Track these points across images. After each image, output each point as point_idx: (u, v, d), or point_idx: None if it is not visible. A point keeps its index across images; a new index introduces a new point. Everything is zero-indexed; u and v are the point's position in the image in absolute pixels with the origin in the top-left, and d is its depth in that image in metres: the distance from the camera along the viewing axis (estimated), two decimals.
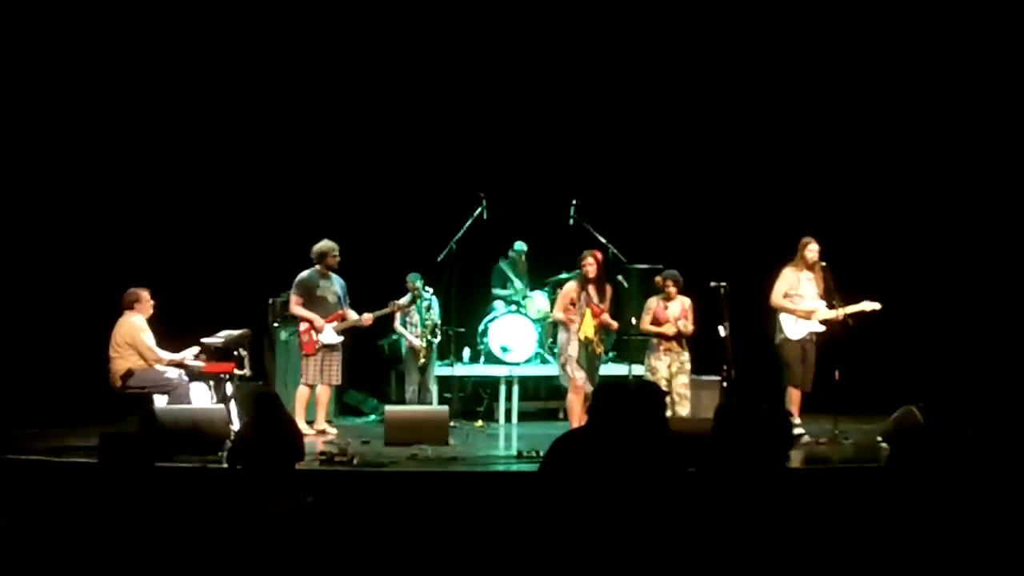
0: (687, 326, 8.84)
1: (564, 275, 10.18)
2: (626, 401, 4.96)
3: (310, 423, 9.15)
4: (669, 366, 8.81)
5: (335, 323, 9.33)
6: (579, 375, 8.49)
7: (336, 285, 9.47)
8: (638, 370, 9.41)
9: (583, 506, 4.63)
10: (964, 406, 8.04)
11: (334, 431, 9.35)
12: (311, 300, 9.33)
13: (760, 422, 4.66)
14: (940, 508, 4.69)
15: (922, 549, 4.58)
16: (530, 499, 4.80)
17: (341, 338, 9.41)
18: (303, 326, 9.30)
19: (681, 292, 8.92)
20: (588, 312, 8.52)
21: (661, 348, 8.85)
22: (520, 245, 10.93)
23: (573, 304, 8.56)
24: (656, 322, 8.88)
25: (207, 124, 11.00)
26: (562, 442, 4.93)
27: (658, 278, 9.02)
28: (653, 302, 8.97)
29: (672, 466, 4.81)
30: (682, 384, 8.79)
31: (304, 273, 9.40)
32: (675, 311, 8.86)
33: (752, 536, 4.47)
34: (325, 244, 9.40)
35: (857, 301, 8.79)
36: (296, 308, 9.33)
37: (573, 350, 8.51)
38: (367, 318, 9.55)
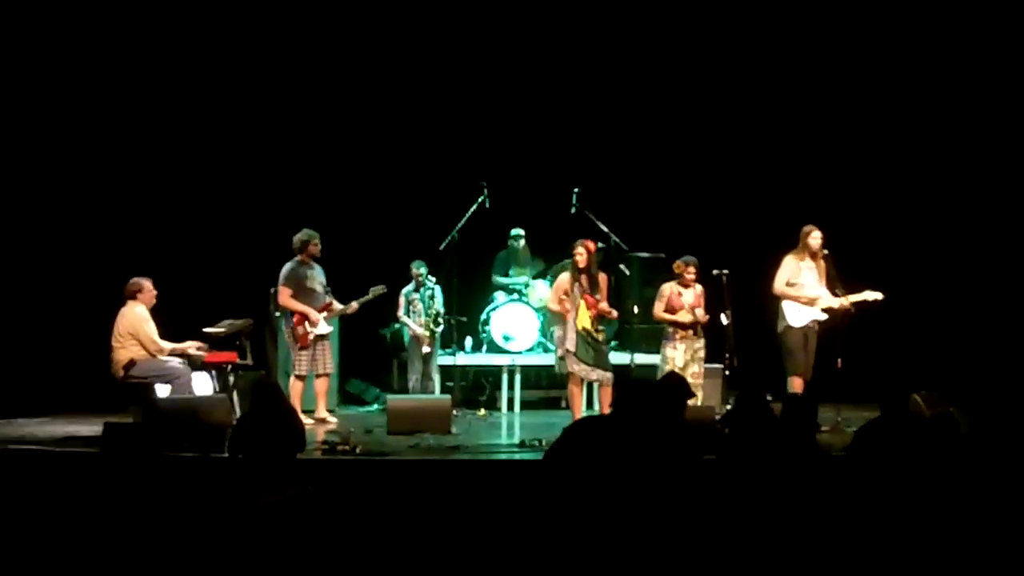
0: (703, 314, 8.76)
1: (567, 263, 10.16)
2: (651, 394, 4.99)
3: (308, 413, 9.13)
4: (684, 354, 8.73)
5: (325, 313, 9.33)
6: (577, 368, 8.45)
7: (320, 274, 9.44)
8: (640, 359, 9.40)
9: (597, 493, 4.64)
10: (953, 393, 8.04)
11: (334, 420, 9.35)
12: (301, 291, 9.26)
13: (781, 412, 4.69)
14: (904, 494, 4.71)
15: (895, 535, 4.61)
16: (541, 485, 4.80)
17: (331, 328, 9.41)
18: (295, 318, 9.26)
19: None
20: (583, 303, 8.48)
21: (677, 336, 8.73)
22: (517, 231, 10.91)
23: (566, 295, 8.53)
24: (670, 309, 8.77)
25: (208, 114, 10.98)
26: (577, 429, 4.95)
27: (679, 262, 8.83)
28: (667, 289, 8.81)
29: (685, 454, 4.83)
30: (693, 374, 8.64)
31: (289, 264, 9.30)
32: (689, 299, 8.76)
33: (765, 520, 4.49)
34: (305, 233, 9.33)
35: (859, 290, 8.77)
36: (289, 301, 9.22)
37: (571, 344, 8.46)
38: (353, 306, 9.54)
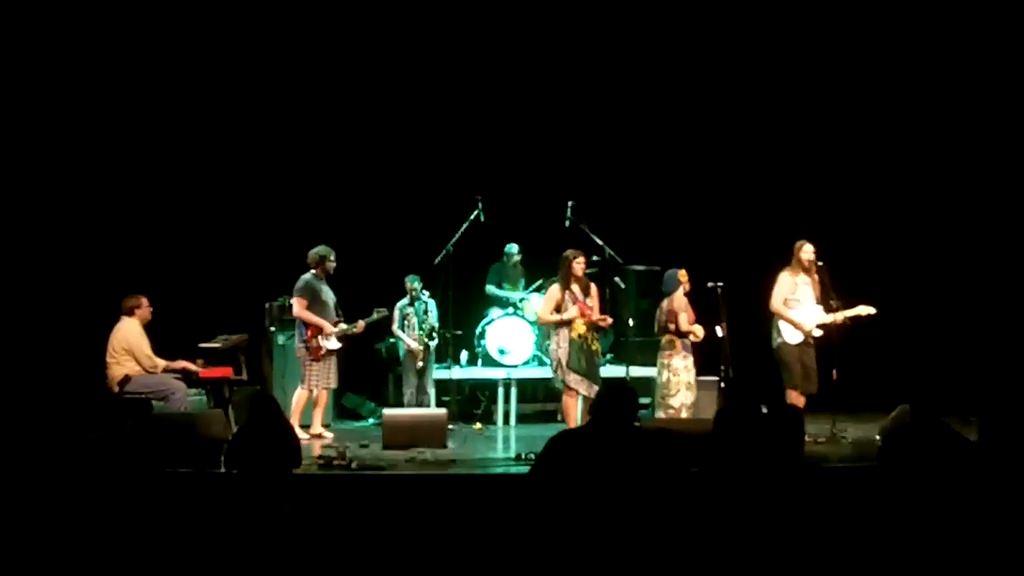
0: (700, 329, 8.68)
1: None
2: (621, 401, 4.97)
3: (305, 427, 9.13)
4: (693, 365, 8.66)
5: (337, 328, 9.33)
6: (572, 378, 8.46)
7: (330, 290, 9.46)
8: (636, 371, 9.38)
9: (578, 503, 4.63)
10: (951, 404, 8.05)
11: (330, 435, 9.33)
12: (316, 304, 9.29)
13: (767, 421, 4.67)
14: (933, 504, 4.70)
15: (917, 545, 4.59)
16: (525, 497, 4.79)
17: (340, 344, 9.41)
18: (308, 331, 9.25)
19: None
20: (577, 311, 8.49)
21: (690, 348, 8.66)
22: (512, 247, 10.91)
23: (558, 308, 8.53)
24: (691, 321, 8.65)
25: (204, 129, 10.99)
26: (558, 441, 4.93)
27: (684, 272, 8.69)
28: (684, 301, 8.66)
29: (674, 465, 4.82)
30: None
31: (306, 276, 9.34)
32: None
33: (754, 533, 4.48)
34: (323, 248, 9.39)
35: (853, 303, 8.78)
36: (304, 312, 9.22)
37: (563, 354, 8.47)
38: (360, 325, 9.55)
